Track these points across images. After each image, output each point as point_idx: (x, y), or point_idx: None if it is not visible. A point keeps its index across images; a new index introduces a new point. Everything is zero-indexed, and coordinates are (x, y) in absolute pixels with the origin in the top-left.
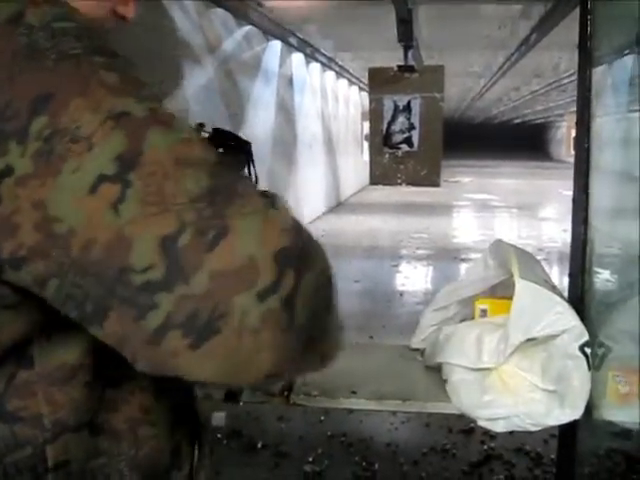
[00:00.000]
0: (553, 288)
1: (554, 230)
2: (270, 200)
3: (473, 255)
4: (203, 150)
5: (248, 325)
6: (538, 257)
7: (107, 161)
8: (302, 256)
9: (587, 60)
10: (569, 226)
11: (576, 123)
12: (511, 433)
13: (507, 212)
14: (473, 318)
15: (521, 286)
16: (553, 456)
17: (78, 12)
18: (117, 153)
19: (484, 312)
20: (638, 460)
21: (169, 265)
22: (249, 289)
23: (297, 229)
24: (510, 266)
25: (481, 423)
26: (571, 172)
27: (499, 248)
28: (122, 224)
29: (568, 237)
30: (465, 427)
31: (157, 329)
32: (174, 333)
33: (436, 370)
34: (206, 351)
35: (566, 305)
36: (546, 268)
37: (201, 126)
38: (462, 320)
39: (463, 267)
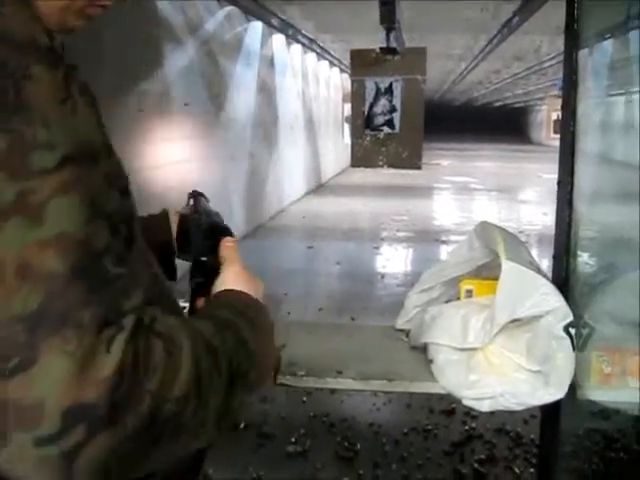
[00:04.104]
0: (538, 270)
1: (534, 213)
2: (112, 333)
3: (453, 237)
4: (58, 258)
5: (25, 459)
6: None
7: None
8: (109, 413)
9: (573, 43)
10: (548, 209)
11: (561, 106)
12: (492, 413)
13: (487, 195)
14: (459, 299)
15: (507, 267)
16: (533, 436)
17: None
18: None
19: (470, 293)
20: (616, 440)
21: None
22: (28, 431)
23: (121, 377)
24: (496, 247)
25: (467, 403)
26: (550, 155)
27: (485, 229)
28: None
29: (547, 220)
30: (446, 408)
31: None
32: None
33: (421, 351)
34: None
35: (551, 286)
36: None
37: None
38: (447, 301)
39: (443, 249)
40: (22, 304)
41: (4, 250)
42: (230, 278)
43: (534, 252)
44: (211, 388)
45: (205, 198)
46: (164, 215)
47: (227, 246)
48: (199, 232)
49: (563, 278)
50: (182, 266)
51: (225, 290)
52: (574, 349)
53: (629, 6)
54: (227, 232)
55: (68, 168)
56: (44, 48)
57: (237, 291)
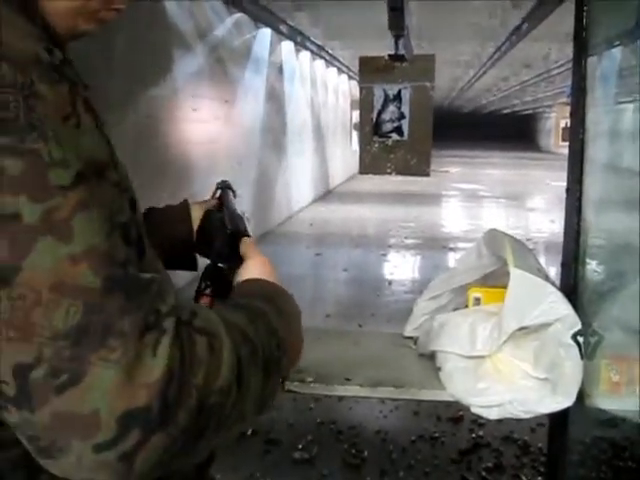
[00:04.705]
0: (546, 277)
1: (541, 220)
2: (155, 336)
3: (461, 244)
4: (92, 270)
5: (84, 466)
6: None
7: None
8: (160, 414)
9: (582, 50)
10: (556, 217)
11: (570, 114)
12: (499, 421)
13: (495, 202)
14: (466, 306)
15: (516, 275)
16: (541, 444)
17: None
18: None
19: (478, 300)
20: (624, 448)
21: (19, 389)
22: (86, 439)
23: (169, 378)
24: (504, 255)
25: (475, 410)
26: (559, 163)
27: (493, 237)
28: None
29: (555, 227)
30: (454, 415)
31: (13, 425)
32: (22, 436)
33: (429, 358)
34: (48, 464)
35: (559, 294)
36: None
37: (226, 187)
38: (455, 308)
39: (451, 256)
40: (63, 320)
41: (37, 269)
42: (254, 267)
43: (542, 260)
44: (250, 378)
45: (233, 191)
46: (184, 206)
47: (247, 243)
48: (223, 237)
49: (572, 286)
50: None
51: (251, 279)
52: (582, 357)
53: (638, 13)
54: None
55: (83, 184)
56: (46, 64)
57: (262, 279)
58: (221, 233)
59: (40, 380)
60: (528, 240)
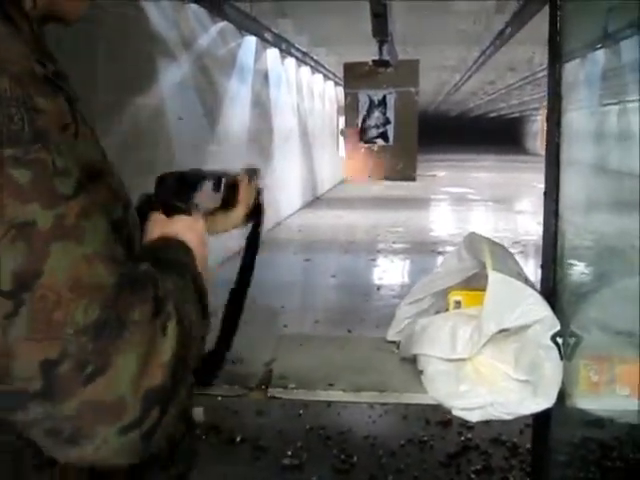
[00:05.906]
0: (525, 280)
1: (530, 223)
2: (163, 320)
3: (450, 248)
4: (105, 269)
5: (108, 448)
6: (514, 250)
7: (5, 275)
8: (172, 389)
9: (557, 55)
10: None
11: (546, 118)
12: (487, 424)
13: (483, 205)
14: (447, 310)
15: (494, 278)
16: (529, 446)
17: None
18: (16, 269)
19: (458, 304)
20: (612, 448)
21: (46, 384)
22: (113, 424)
23: (177, 356)
24: (483, 258)
25: (456, 413)
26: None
27: (473, 241)
28: (9, 339)
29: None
30: (442, 419)
31: (24, 424)
32: (38, 431)
33: (412, 362)
34: (67, 454)
35: (538, 296)
36: (522, 261)
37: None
38: (437, 312)
39: (440, 260)
40: (83, 317)
41: (57, 271)
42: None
43: (531, 262)
44: (199, 327)
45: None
46: (145, 199)
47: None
48: (171, 177)
49: (551, 288)
50: None
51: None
52: (562, 358)
53: (606, 22)
54: (198, 178)
55: (83, 193)
56: (41, 78)
57: (165, 236)
58: (171, 175)
59: (67, 373)
60: (517, 243)
